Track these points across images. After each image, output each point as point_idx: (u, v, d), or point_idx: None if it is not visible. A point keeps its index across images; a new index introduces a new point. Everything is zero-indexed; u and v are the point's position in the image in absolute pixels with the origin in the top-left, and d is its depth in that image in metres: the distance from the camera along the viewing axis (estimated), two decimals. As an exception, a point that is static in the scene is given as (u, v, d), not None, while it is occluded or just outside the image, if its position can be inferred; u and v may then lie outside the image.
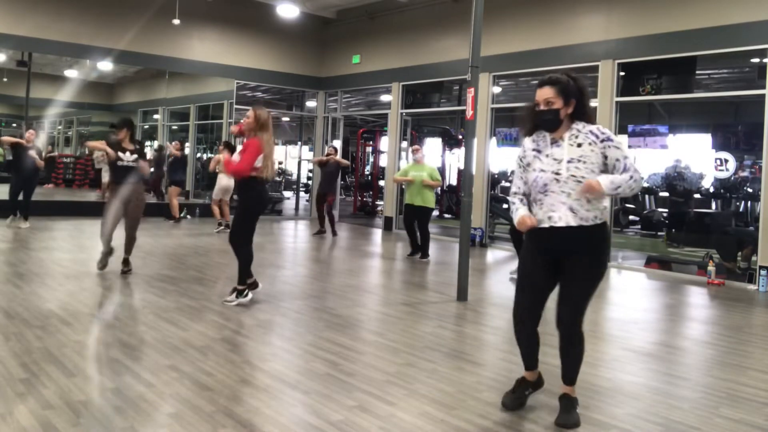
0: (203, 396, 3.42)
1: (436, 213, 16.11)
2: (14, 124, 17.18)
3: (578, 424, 3.20)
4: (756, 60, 8.62)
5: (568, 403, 3.27)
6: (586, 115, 3.17)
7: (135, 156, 6.65)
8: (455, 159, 17.50)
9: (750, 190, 10.71)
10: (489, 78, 11.03)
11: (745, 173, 10.91)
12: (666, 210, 12.71)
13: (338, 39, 14.75)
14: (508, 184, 15.83)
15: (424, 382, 3.82)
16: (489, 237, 11.49)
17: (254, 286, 5.76)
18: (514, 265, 8.78)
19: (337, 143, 14.86)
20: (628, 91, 9.55)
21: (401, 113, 13.12)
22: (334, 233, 11.33)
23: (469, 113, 6.34)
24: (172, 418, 3.12)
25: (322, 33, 15.03)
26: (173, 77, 15.35)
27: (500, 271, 9.07)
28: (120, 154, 6.59)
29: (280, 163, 20.78)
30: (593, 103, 7.67)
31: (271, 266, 7.80)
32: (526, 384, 3.46)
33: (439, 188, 17.07)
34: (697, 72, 9.74)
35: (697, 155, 12.83)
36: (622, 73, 9.53)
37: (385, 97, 14.54)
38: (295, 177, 19.35)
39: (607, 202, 3.21)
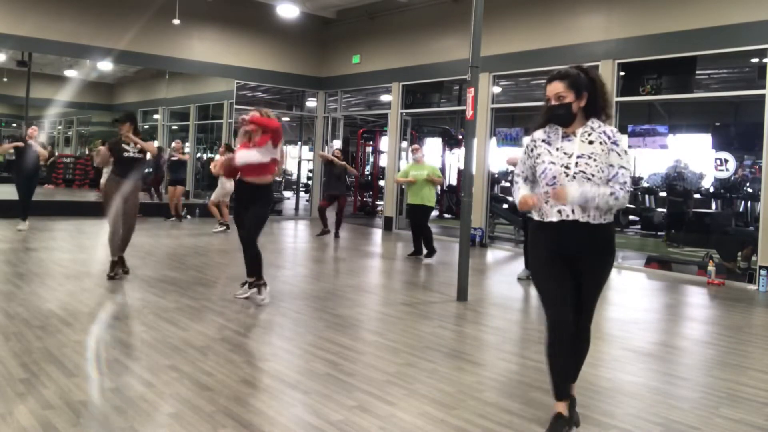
0: (203, 396, 3.42)
1: (436, 213, 16.11)
2: (14, 124, 17.17)
3: (578, 424, 3.17)
4: (756, 60, 8.62)
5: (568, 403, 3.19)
6: (601, 108, 3.06)
7: (139, 147, 6.60)
8: (455, 159, 17.50)
9: (750, 190, 10.71)
10: (489, 78, 11.03)
11: (745, 173, 10.91)
12: (666, 210, 12.71)
13: (338, 39, 14.75)
14: (508, 184, 15.85)
15: (424, 382, 3.82)
16: (489, 237, 11.49)
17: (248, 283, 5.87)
18: (516, 265, 8.79)
19: (337, 143, 14.86)
20: (628, 91, 9.55)
21: (401, 113, 13.12)
22: (337, 235, 11.23)
23: (469, 113, 6.34)
24: (172, 418, 3.12)
25: (322, 33, 15.03)
26: (173, 77, 15.35)
27: (500, 271, 9.07)
28: (124, 146, 6.57)
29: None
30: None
31: (271, 266, 7.78)
32: (563, 420, 3.05)
33: (440, 188, 17.14)
34: (697, 72, 9.74)
35: (697, 155, 12.83)
36: (622, 73, 9.53)
37: (385, 97, 14.54)
38: (295, 177, 19.35)
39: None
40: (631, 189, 3.01)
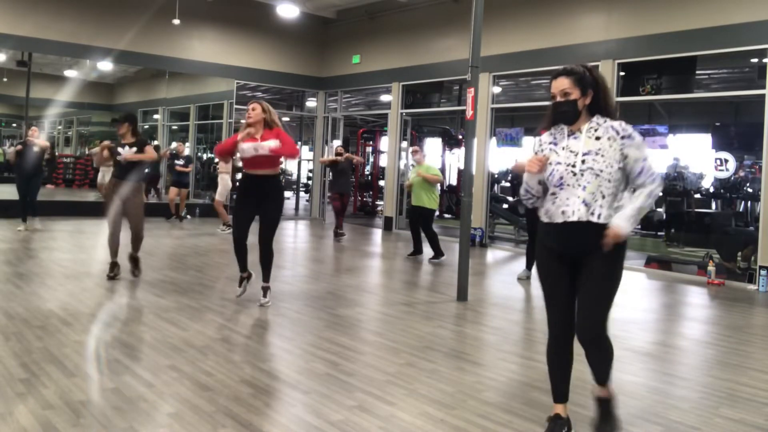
0: (203, 396, 3.42)
1: (436, 213, 16.08)
2: (14, 124, 17.18)
3: (614, 428, 3.04)
4: (756, 60, 8.63)
5: (602, 408, 3.04)
6: (605, 108, 2.99)
7: (134, 149, 6.45)
8: (455, 159, 17.50)
9: (750, 190, 10.72)
10: (489, 78, 11.03)
11: (745, 173, 10.91)
12: (666, 210, 12.72)
13: (338, 39, 14.75)
14: (508, 184, 15.85)
15: (424, 382, 3.82)
16: (489, 237, 11.49)
17: (249, 277, 5.85)
18: (516, 265, 8.79)
19: (337, 143, 14.86)
20: (628, 91, 9.55)
21: (401, 113, 13.12)
22: (338, 234, 11.13)
23: (469, 113, 6.34)
24: (172, 418, 3.12)
25: (322, 33, 15.03)
26: (173, 77, 15.36)
27: (500, 271, 9.07)
28: (120, 149, 6.49)
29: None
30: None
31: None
32: (561, 422, 3.05)
33: (440, 186, 17.12)
34: (697, 72, 9.75)
35: (697, 155, 12.84)
36: (622, 73, 9.54)
37: (385, 97, 14.55)
38: (295, 177, 19.35)
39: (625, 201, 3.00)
40: (661, 174, 2.91)
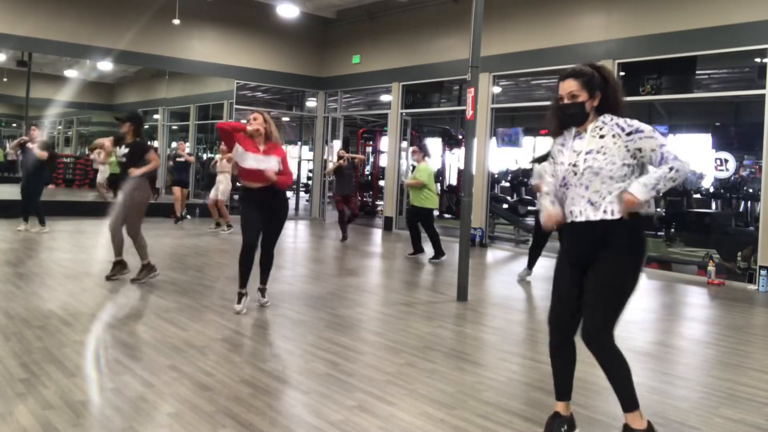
0: (203, 396, 3.42)
1: (436, 213, 16.07)
2: (14, 124, 17.18)
3: None
4: (756, 60, 8.62)
5: None
6: (614, 107, 2.92)
7: (127, 150, 6.32)
8: (455, 159, 17.50)
9: (750, 190, 10.72)
10: (489, 78, 11.03)
11: (747, 174, 10.92)
12: (665, 210, 12.72)
13: (338, 39, 14.75)
14: (508, 184, 15.86)
15: (424, 382, 3.82)
16: (489, 237, 11.49)
17: (246, 295, 5.76)
18: (517, 265, 8.79)
19: (337, 143, 14.86)
20: (628, 91, 9.50)
21: (401, 113, 13.12)
22: (344, 237, 10.98)
23: (469, 113, 6.34)
24: (172, 418, 3.12)
25: (322, 33, 15.03)
26: (173, 77, 15.36)
27: (500, 271, 9.07)
28: (117, 148, 6.34)
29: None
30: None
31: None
32: (560, 420, 3.04)
33: (439, 186, 17.11)
34: (697, 72, 9.74)
35: (697, 155, 12.83)
36: (622, 73, 9.53)
37: (385, 97, 14.54)
38: (295, 177, 19.34)
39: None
40: (684, 159, 2.78)
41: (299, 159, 17.33)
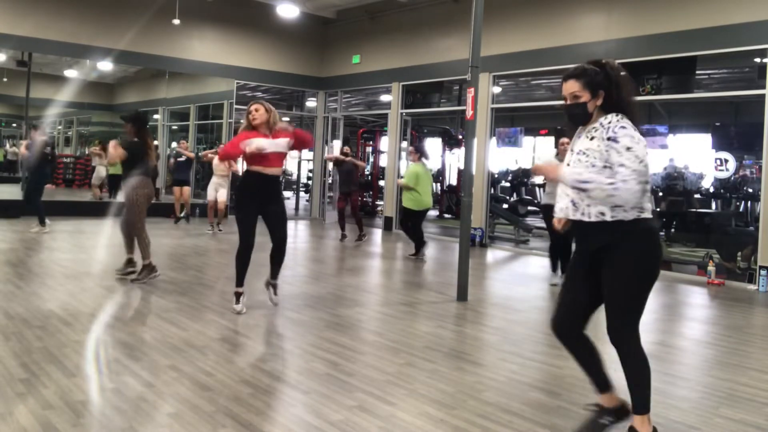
0: (203, 396, 3.42)
1: (435, 213, 16.09)
2: (14, 124, 17.18)
3: None
4: (756, 60, 8.62)
5: None
6: (621, 105, 2.87)
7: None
8: (455, 159, 17.51)
9: (750, 190, 10.72)
10: (489, 78, 11.03)
11: (748, 173, 10.91)
12: (666, 210, 12.72)
13: (338, 39, 14.75)
14: (508, 184, 15.86)
15: (424, 382, 3.82)
16: (489, 237, 11.49)
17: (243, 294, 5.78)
18: (517, 265, 8.81)
19: (337, 143, 14.87)
20: (629, 91, 9.54)
21: (401, 113, 13.12)
22: (363, 235, 10.86)
23: (469, 113, 6.34)
24: (172, 418, 3.12)
25: (322, 33, 15.03)
26: (173, 77, 15.36)
27: (500, 271, 9.07)
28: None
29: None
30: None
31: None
32: (601, 411, 2.99)
33: (440, 187, 17.12)
34: (697, 72, 9.74)
35: (697, 155, 12.84)
36: (622, 73, 9.52)
37: (385, 97, 14.55)
38: (295, 177, 19.35)
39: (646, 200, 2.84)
40: (637, 187, 2.69)
41: (299, 159, 17.35)
